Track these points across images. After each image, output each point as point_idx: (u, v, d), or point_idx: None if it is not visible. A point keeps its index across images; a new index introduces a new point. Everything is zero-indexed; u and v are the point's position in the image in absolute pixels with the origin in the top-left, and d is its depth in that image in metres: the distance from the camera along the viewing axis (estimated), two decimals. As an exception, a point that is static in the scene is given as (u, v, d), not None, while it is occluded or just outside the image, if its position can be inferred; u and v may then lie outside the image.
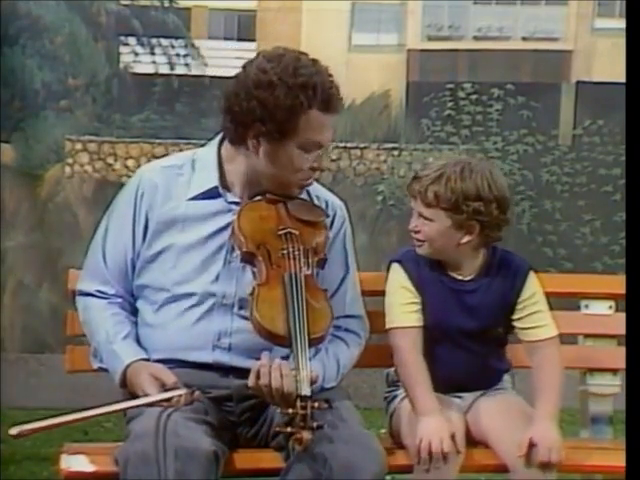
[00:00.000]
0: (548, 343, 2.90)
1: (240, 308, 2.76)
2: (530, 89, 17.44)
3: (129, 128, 17.55)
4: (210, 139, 2.91)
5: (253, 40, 18.57)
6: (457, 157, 3.11)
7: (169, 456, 2.46)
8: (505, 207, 2.84)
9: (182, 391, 2.62)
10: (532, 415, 2.82)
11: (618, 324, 3.17)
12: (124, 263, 2.83)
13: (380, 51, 18.76)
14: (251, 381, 2.60)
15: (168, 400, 2.60)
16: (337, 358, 2.81)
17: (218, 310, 2.77)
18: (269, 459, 2.73)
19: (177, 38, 18.79)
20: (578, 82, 18.11)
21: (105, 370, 2.80)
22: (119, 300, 2.84)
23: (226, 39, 19.65)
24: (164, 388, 2.64)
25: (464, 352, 2.91)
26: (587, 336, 3.33)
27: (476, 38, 18.67)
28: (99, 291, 2.84)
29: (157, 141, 17.05)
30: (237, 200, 2.82)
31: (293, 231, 2.76)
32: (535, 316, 2.91)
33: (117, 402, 2.65)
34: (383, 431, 3.16)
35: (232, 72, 2.81)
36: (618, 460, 2.78)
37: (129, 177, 2.99)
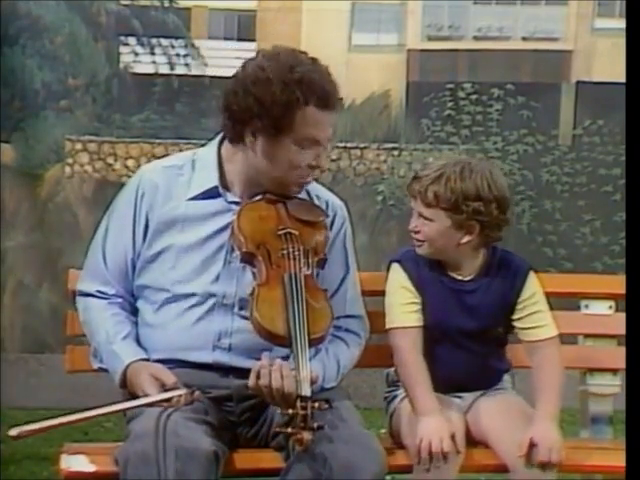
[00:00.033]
0: (548, 343, 2.90)
1: (240, 308, 2.76)
2: (530, 89, 17.41)
3: (129, 128, 17.52)
4: (210, 139, 2.90)
5: (253, 40, 18.54)
6: (457, 157, 3.11)
7: (169, 456, 2.46)
8: (505, 207, 2.84)
9: (182, 391, 2.61)
10: (532, 415, 2.82)
11: (618, 324, 3.17)
12: (124, 263, 2.83)
13: (380, 51, 18.73)
14: (251, 381, 2.60)
15: (168, 400, 2.60)
16: (337, 358, 2.81)
17: (218, 310, 2.77)
18: (269, 459, 2.73)
19: (177, 38, 18.75)
20: (578, 82, 18.08)
21: (105, 370, 2.80)
22: (119, 300, 2.84)
23: (226, 39, 19.61)
24: (164, 388, 2.64)
25: (464, 352, 2.91)
26: (587, 336, 3.33)
27: (476, 38, 18.64)
28: (99, 291, 2.84)
29: (157, 141, 17.01)
30: (237, 200, 2.82)
31: (293, 231, 2.76)
32: (535, 316, 2.91)
33: (117, 402, 2.65)
34: (383, 431, 3.15)
35: (232, 72, 2.81)
36: (618, 460, 2.78)
37: (129, 177, 2.99)
